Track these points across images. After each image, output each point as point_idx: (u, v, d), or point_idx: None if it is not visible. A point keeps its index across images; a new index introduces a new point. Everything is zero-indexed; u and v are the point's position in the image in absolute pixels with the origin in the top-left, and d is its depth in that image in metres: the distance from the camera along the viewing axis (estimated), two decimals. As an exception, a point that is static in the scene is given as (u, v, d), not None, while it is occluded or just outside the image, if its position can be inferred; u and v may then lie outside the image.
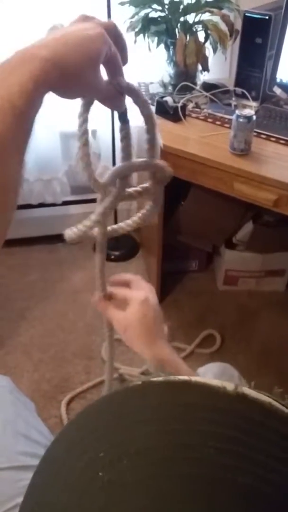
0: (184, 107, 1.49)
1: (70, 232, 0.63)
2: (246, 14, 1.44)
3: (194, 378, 0.28)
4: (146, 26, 1.50)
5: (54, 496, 0.25)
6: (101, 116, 1.75)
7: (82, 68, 0.44)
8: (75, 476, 0.25)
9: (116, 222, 2.32)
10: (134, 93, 0.55)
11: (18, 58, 0.41)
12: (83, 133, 0.59)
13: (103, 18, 1.53)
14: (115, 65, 0.50)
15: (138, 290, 0.71)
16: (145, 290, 0.71)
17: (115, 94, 0.52)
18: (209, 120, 1.50)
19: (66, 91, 0.45)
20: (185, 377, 0.28)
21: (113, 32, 0.48)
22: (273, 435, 0.26)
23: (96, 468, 0.24)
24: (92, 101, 0.58)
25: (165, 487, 0.23)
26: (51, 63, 0.41)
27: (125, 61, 0.52)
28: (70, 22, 0.49)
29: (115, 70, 0.51)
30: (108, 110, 1.69)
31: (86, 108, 0.58)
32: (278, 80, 1.52)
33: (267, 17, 1.41)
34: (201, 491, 0.23)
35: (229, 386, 0.27)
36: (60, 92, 0.45)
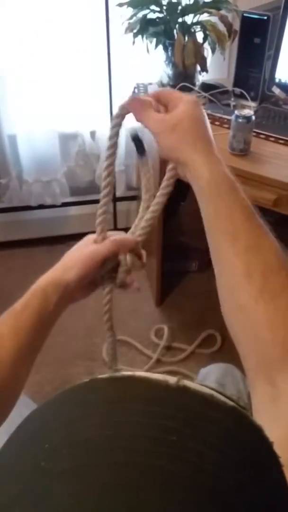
0: (183, 107, 1.49)
1: None
2: (245, 14, 1.44)
3: (138, 373, 0.29)
4: (144, 27, 1.50)
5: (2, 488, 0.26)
6: (100, 117, 1.76)
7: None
8: (21, 467, 0.26)
9: (115, 223, 2.30)
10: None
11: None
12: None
13: (101, 18, 1.54)
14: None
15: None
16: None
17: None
18: (208, 120, 1.49)
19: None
20: (129, 373, 0.29)
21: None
22: (211, 425, 0.26)
23: (40, 459, 0.26)
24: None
25: (99, 475, 0.24)
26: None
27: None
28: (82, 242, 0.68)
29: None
30: (107, 111, 1.70)
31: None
32: (277, 80, 1.52)
33: (265, 18, 1.41)
34: (133, 478, 0.24)
35: (171, 380, 0.28)
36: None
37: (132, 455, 0.24)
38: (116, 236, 0.67)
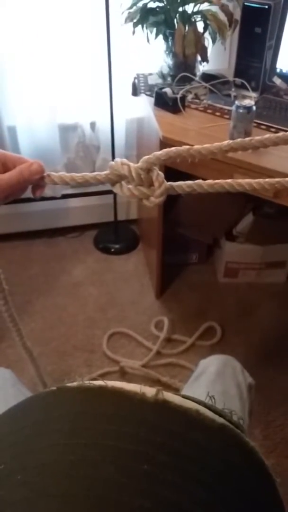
0: (183, 98, 1.48)
1: None
2: (245, 3, 1.42)
3: (110, 383, 0.25)
4: (144, 16, 1.49)
5: None
6: (100, 108, 1.74)
7: None
8: None
9: (115, 215, 2.30)
10: None
11: None
12: None
13: (101, 8, 1.52)
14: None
15: None
16: None
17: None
18: (209, 111, 1.49)
19: None
20: (101, 382, 0.25)
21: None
22: (195, 451, 0.22)
23: None
24: None
25: (54, 508, 0.20)
26: None
27: None
28: None
29: None
30: (107, 102, 1.69)
31: None
32: (278, 70, 1.51)
33: (266, 7, 1.40)
34: None
35: (149, 392, 0.24)
36: None
37: (95, 487, 0.21)
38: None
